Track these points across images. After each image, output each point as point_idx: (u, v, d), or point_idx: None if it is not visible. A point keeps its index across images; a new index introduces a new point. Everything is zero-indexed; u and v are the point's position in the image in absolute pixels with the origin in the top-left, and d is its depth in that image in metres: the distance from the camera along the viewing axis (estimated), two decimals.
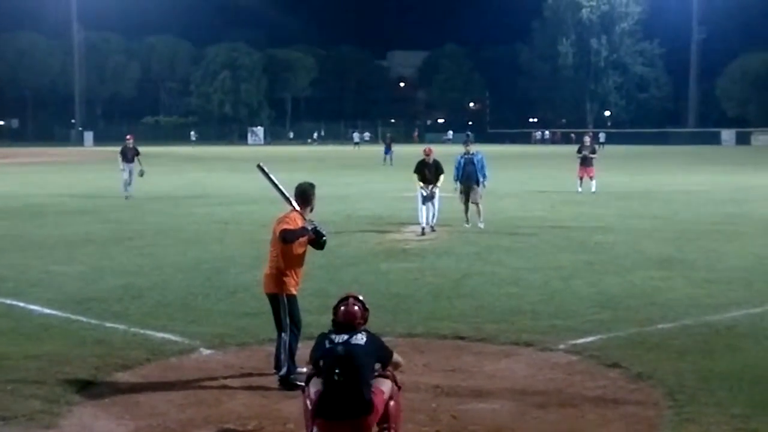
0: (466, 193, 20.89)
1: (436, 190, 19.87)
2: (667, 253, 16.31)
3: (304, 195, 8.43)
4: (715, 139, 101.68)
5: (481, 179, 20.88)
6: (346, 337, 6.58)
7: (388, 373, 6.71)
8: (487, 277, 13.98)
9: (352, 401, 6.35)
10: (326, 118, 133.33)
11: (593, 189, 30.65)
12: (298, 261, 8.31)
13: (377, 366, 6.66)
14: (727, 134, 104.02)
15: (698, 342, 9.69)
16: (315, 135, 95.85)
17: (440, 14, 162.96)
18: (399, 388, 6.74)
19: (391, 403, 6.57)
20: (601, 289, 12.87)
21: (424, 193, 19.73)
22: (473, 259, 15.88)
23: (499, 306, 11.72)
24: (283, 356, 8.18)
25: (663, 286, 12.99)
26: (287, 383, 8.11)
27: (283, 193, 8.36)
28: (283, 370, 8.16)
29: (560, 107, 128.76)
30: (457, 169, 21.22)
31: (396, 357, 6.81)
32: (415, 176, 20.20)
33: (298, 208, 8.34)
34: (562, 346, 9.58)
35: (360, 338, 6.58)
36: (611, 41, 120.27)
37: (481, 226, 20.33)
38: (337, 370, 6.39)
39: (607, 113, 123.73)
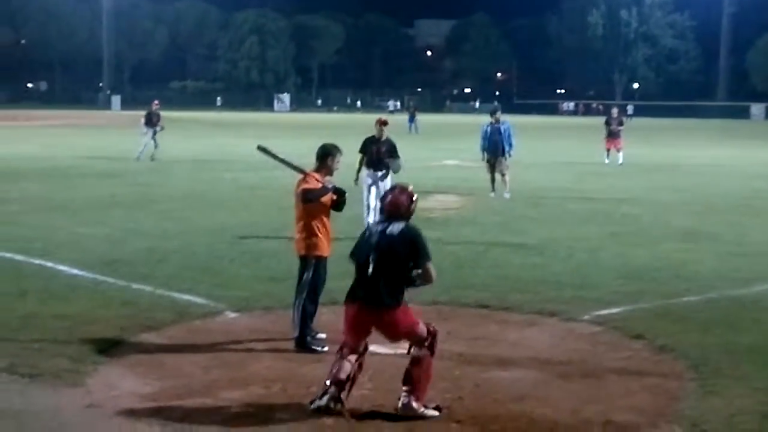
0: (492, 163, 20.82)
1: (387, 182, 14.61)
2: (694, 227, 16.24)
3: (324, 156, 8.41)
4: (744, 113, 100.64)
5: (507, 149, 20.78)
6: (381, 227, 6.69)
7: (425, 347, 6.64)
8: (511, 247, 13.96)
9: (374, 289, 6.50)
10: (353, 86, 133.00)
11: (620, 161, 30.47)
12: (324, 222, 8.32)
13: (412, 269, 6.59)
14: (757, 108, 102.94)
15: (723, 315, 9.64)
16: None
17: None
18: (432, 354, 6.72)
19: (420, 368, 6.59)
20: (627, 260, 12.82)
21: (370, 181, 15.15)
22: (498, 229, 15.86)
23: (523, 276, 11.70)
24: (297, 318, 8.22)
25: (689, 259, 12.92)
26: (303, 345, 8.15)
27: (291, 165, 8.35)
28: (296, 332, 8.20)
29: (588, 79, 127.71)
30: (484, 138, 21.13)
31: (430, 266, 6.60)
32: (359, 157, 15.32)
33: (311, 172, 8.30)
34: (586, 317, 9.56)
35: (396, 228, 6.61)
36: (641, 13, 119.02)
37: (507, 196, 20.27)
38: (369, 258, 6.55)
39: (636, 86, 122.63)
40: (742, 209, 18.95)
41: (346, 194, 8.41)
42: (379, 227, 6.72)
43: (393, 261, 6.54)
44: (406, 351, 6.81)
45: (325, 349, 8.10)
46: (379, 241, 6.59)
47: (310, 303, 8.31)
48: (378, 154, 15.01)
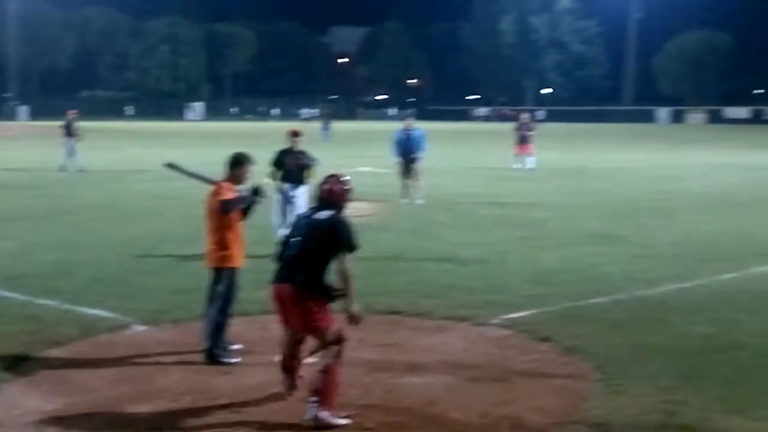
0: (405, 169, 20.94)
1: (302, 195, 14.04)
2: (602, 229, 16.56)
3: (235, 165, 8.35)
4: (650, 117, 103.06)
5: (419, 155, 20.91)
6: (311, 212, 6.94)
7: (332, 341, 6.72)
8: (423, 253, 14.05)
9: (294, 270, 6.68)
10: (267, 94, 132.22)
11: (531, 166, 30.92)
12: (237, 233, 8.26)
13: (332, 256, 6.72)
14: (663, 112, 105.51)
15: (630, 316, 9.87)
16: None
17: None
18: (339, 356, 6.74)
19: (326, 377, 6.61)
20: (536, 264, 13.03)
21: (284, 194, 14.35)
22: (410, 235, 15.94)
23: (435, 281, 11.79)
24: (208, 330, 8.14)
25: (597, 262, 13.19)
26: (213, 357, 8.07)
27: (201, 177, 8.28)
28: (207, 343, 8.11)
29: (500, 85, 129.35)
30: (397, 144, 21.25)
31: (348, 258, 6.68)
32: (271, 170, 14.46)
33: (222, 182, 8.24)
34: (496, 321, 9.67)
35: (323, 215, 6.78)
36: (551, 19, 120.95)
37: (420, 202, 20.40)
38: (292, 240, 6.79)
39: (547, 91, 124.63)
40: (649, 211, 19.40)
41: (262, 196, 8.40)
42: (308, 213, 6.95)
43: (314, 245, 6.66)
44: (310, 358, 6.92)
45: (236, 360, 8.04)
46: (305, 224, 6.82)
47: (222, 315, 8.23)
48: (292, 167, 14.38)
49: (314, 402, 6.56)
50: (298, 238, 6.76)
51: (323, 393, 6.57)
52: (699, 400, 7.09)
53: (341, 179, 7.07)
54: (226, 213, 8.06)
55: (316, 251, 6.67)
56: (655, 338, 8.93)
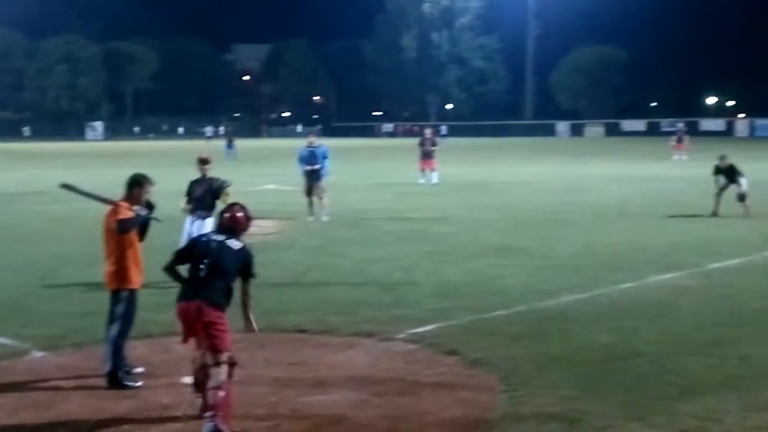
0: (310, 186, 20.94)
1: (207, 224, 12.80)
2: (504, 242, 16.83)
3: (133, 185, 8.26)
4: (550, 131, 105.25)
5: (323, 172, 20.94)
6: (223, 237, 7.21)
7: (225, 362, 6.88)
8: (330, 270, 14.07)
9: (203, 288, 6.95)
10: (170, 112, 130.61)
11: (435, 181, 31.22)
12: (135, 253, 8.15)
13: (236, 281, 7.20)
14: (562, 126, 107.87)
15: (532, 327, 10.05)
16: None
17: (284, 7, 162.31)
18: (230, 377, 6.86)
19: (220, 393, 6.68)
20: (441, 278, 13.17)
21: (192, 223, 13.33)
22: (317, 252, 15.94)
23: (341, 298, 11.81)
24: (108, 352, 8.00)
25: (499, 274, 13.39)
26: (115, 381, 7.93)
27: (99, 198, 8.18)
28: (108, 366, 7.97)
29: (404, 101, 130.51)
30: (301, 161, 21.24)
31: (252, 284, 7.28)
32: (184, 200, 13.67)
33: (120, 202, 8.14)
34: (402, 336, 9.74)
35: (235, 245, 7.18)
36: (452, 35, 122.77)
37: (326, 219, 20.41)
38: (205, 261, 7.01)
39: (449, 106, 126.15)
40: (549, 223, 19.80)
41: (159, 220, 8.35)
42: (219, 238, 7.19)
43: (225, 270, 7.04)
44: (190, 381, 7.21)
45: (139, 384, 7.92)
46: (218, 249, 7.08)
47: (122, 337, 8.10)
48: (200, 193, 13.53)
49: (211, 416, 6.62)
50: (209, 260, 7.02)
51: (220, 407, 6.63)
52: (600, 409, 7.26)
53: (243, 207, 7.47)
54: (123, 233, 7.96)
55: (226, 274, 7.05)
56: (556, 348, 9.11)
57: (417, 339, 9.61)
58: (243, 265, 7.13)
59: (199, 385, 7.08)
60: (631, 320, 10.34)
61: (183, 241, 13.48)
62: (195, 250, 7.20)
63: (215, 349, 6.85)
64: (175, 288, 7.20)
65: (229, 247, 7.11)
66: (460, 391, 7.83)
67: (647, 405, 7.36)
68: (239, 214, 7.34)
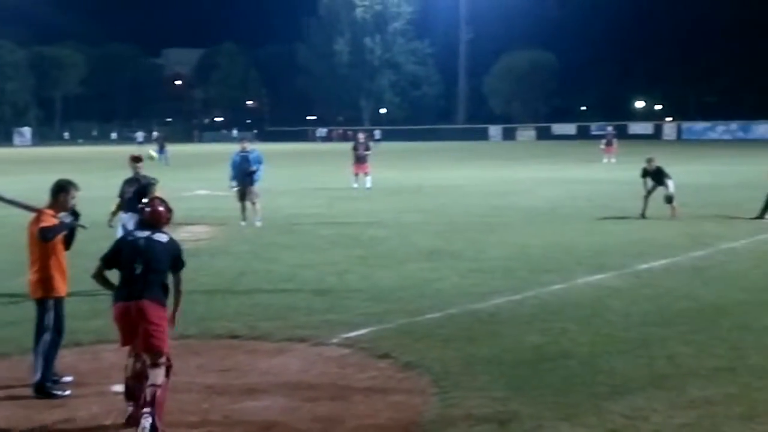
0: (242, 192, 20.82)
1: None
2: (436, 246, 16.92)
3: (58, 192, 8.14)
4: (483, 135, 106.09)
5: (255, 177, 20.85)
6: (148, 233, 7.20)
7: (164, 363, 6.92)
8: (262, 275, 14.01)
9: (139, 287, 6.95)
10: (100, 117, 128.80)
11: (368, 185, 31.27)
12: (60, 261, 8.03)
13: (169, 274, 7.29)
14: (494, 130, 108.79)
15: (463, 330, 10.12)
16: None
17: (216, 11, 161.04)
18: (167, 378, 6.88)
19: (158, 390, 6.69)
20: (374, 282, 13.19)
21: (125, 223, 13.10)
22: (249, 258, 15.86)
23: (274, 303, 11.76)
24: (39, 362, 7.86)
25: (432, 278, 13.47)
26: (43, 391, 7.79)
27: (21, 204, 8.05)
28: (37, 376, 7.84)
29: (337, 105, 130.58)
30: (233, 167, 21.11)
31: (182, 275, 7.37)
32: (117, 201, 13.66)
33: (45, 209, 8.01)
34: (335, 340, 9.74)
35: (162, 237, 7.22)
36: (385, 40, 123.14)
37: (258, 224, 20.31)
38: (138, 260, 7.01)
39: (383, 111, 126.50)
40: (481, 226, 19.96)
41: (84, 227, 8.26)
42: (145, 234, 7.18)
43: (158, 265, 7.09)
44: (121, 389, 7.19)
45: (67, 393, 7.80)
46: (147, 245, 7.09)
47: (55, 348, 7.97)
48: (130, 194, 13.22)
49: (148, 413, 6.59)
50: (142, 258, 7.03)
51: (157, 404, 6.64)
52: (530, 409, 7.35)
53: (164, 201, 7.48)
54: (47, 240, 7.83)
55: (160, 270, 7.11)
56: (487, 350, 9.20)
57: (350, 343, 9.62)
58: (173, 257, 7.21)
59: (131, 394, 7.01)
60: (561, 321, 10.48)
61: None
62: (123, 251, 7.17)
63: (155, 350, 6.85)
64: (104, 295, 7.13)
65: (157, 241, 7.15)
66: (392, 394, 7.86)
67: (577, 405, 7.46)
68: (160, 208, 7.37)
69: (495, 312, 11.06)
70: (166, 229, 7.38)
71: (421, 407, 7.49)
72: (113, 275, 7.24)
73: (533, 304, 11.50)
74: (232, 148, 24.48)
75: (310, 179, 38.05)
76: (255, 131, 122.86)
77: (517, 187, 31.96)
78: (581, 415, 7.20)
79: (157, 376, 6.77)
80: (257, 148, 22.70)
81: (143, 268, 6.99)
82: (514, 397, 7.66)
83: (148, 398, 6.65)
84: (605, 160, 48.21)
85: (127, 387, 7.09)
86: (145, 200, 7.82)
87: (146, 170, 14.35)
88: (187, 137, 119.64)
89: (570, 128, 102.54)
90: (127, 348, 7.11)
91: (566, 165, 47.23)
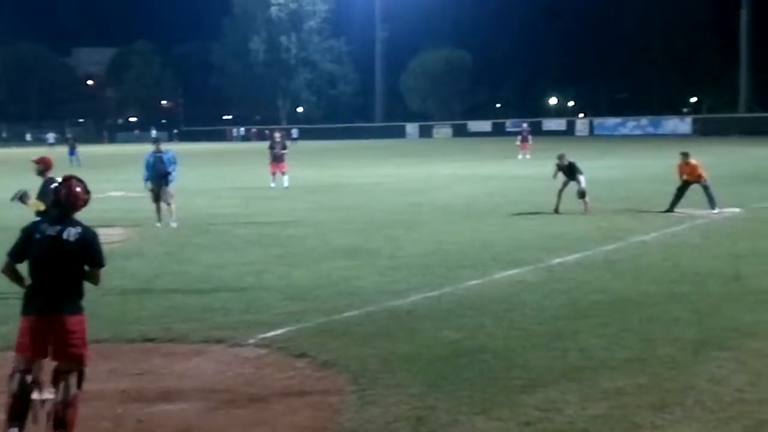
0: (157, 192, 20.53)
1: None
2: (354, 243, 16.95)
3: None
4: (400, 133, 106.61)
5: (170, 177, 20.58)
6: (59, 228, 6.43)
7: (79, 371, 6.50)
8: (178, 277, 13.84)
9: (54, 297, 6.34)
10: (9, 118, 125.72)
11: (285, 184, 31.14)
12: None
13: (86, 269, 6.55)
14: (411, 128, 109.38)
15: (381, 327, 10.15)
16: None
17: (128, 10, 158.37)
18: (80, 388, 6.53)
19: (74, 409, 6.40)
20: (291, 281, 13.15)
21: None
22: (164, 259, 15.66)
23: (190, 305, 11.63)
24: None
25: (350, 275, 13.48)
26: None
27: None
28: None
29: (254, 104, 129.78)
30: (147, 168, 20.80)
31: (101, 272, 6.66)
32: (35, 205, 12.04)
33: None
34: (252, 341, 9.68)
35: (74, 232, 6.42)
36: (300, 39, 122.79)
37: (174, 225, 20.07)
38: (48, 266, 6.34)
39: (300, 109, 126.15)
40: (399, 224, 20.05)
41: None
42: (54, 232, 6.41)
43: (71, 266, 6.41)
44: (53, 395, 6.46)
45: None
46: (56, 247, 6.35)
47: None
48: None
49: None
50: (52, 262, 6.35)
51: (71, 424, 6.36)
52: (447, 404, 7.41)
53: (81, 180, 6.71)
54: None
55: (73, 272, 6.44)
56: (405, 347, 9.24)
57: (267, 343, 9.57)
58: (87, 253, 6.46)
59: (19, 416, 6.31)
60: (477, 316, 10.59)
61: None
62: (32, 250, 6.43)
63: (75, 359, 6.43)
64: (12, 298, 6.86)
65: (67, 240, 6.35)
66: (309, 393, 7.85)
67: (492, 399, 7.55)
68: (77, 189, 6.60)
69: (413, 309, 11.13)
70: (81, 214, 6.66)
71: (339, 406, 7.49)
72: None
73: (450, 300, 11.59)
74: (146, 149, 24.15)
75: (226, 179, 37.75)
76: (175, 131, 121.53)
77: (434, 184, 32.20)
78: (496, 409, 7.29)
79: (71, 388, 6.34)
80: (172, 148, 22.40)
81: (54, 276, 6.35)
82: (431, 393, 7.71)
83: (64, 419, 6.24)
84: (520, 157, 48.87)
85: (13, 406, 6.34)
86: (58, 179, 7.06)
87: (59, 172, 14.01)
88: (99, 138, 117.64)
89: (485, 125, 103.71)
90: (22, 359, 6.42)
91: (482, 162, 47.74)
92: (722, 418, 7.05)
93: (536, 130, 72.65)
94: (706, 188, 21.14)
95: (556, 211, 21.26)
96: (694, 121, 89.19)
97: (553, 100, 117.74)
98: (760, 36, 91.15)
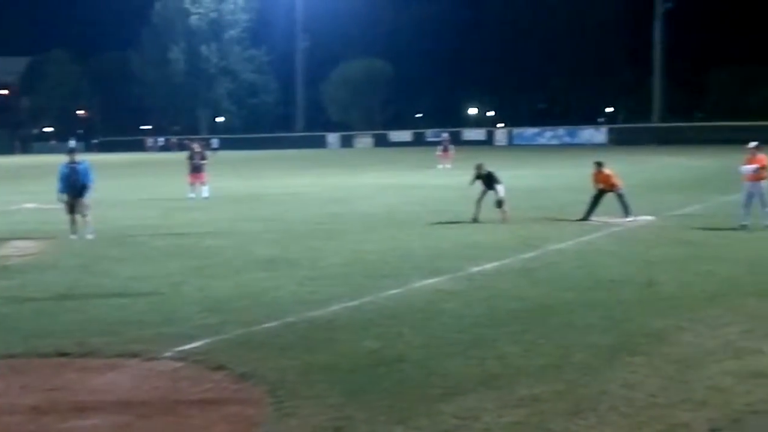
0: (72, 204, 20.13)
1: None
2: (274, 254, 16.86)
3: None
4: (322, 143, 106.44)
5: (85, 189, 20.20)
6: None
7: None
8: (93, 289, 13.59)
9: None
10: None
11: (205, 194, 30.85)
12: None
13: None
14: (333, 137, 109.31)
15: (300, 338, 10.11)
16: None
17: (43, 18, 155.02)
18: None
19: None
20: (210, 293, 13.01)
21: None
22: (80, 272, 15.35)
23: (105, 318, 11.43)
24: None
25: (269, 286, 13.40)
26: None
27: None
28: None
29: (173, 114, 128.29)
30: (61, 179, 20.37)
31: None
32: None
33: None
34: (168, 354, 9.55)
35: None
36: (221, 48, 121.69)
37: (90, 237, 19.71)
38: None
39: (220, 119, 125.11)
40: (319, 233, 20.01)
41: None
42: None
43: None
44: None
45: None
46: None
47: None
48: None
49: None
50: None
51: None
52: (365, 414, 7.41)
53: None
54: None
55: None
56: (323, 357, 9.22)
57: (184, 356, 9.45)
58: None
59: None
60: (396, 325, 10.62)
61: None
62: None
63: None
64: None
65: None
66: (227, 406, 7.78)
67: (410, 408, 7.58)
68: None
69: (332, 319, 11.11)
70: None
71: (256, 418, 7.45)
72: None
73: (370, 310, 11.61)
74: (57, 160, 23.69)
75: (145, 190, 37.23)
76: (93, 141, 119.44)
77: (355, 193, 32.22)
78: (414, 418, 7.32)
79: None
80: (87, 159, 22.00)
81: None
82: (350, 403, 7.71)
83: None
84: (440, 166, 49.20)
85: None
86: None
87: None
88: (12, 148, 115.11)
89: (406, 135, 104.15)
90: None
91: (403, 171, 47.95)
92: (635, 422, 7.19)
93: (456, 140, 73.17)
94: (620, 196, 21.56)
95: (475, 220, 21.45)
96: (610, 131, 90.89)
97: (473, 110, 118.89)
98: (673, 47, 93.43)
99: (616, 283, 13.20)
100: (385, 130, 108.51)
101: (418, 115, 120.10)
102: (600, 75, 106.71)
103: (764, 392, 7.88)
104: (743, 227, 19.05)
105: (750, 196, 19.44)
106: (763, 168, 19.40)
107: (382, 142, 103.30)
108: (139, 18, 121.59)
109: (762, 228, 18.90)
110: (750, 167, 19.53)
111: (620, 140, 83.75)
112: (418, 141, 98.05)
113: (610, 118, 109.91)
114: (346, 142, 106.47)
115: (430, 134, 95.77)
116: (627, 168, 35.03)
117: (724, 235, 18.50)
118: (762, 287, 12.64)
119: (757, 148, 19.84)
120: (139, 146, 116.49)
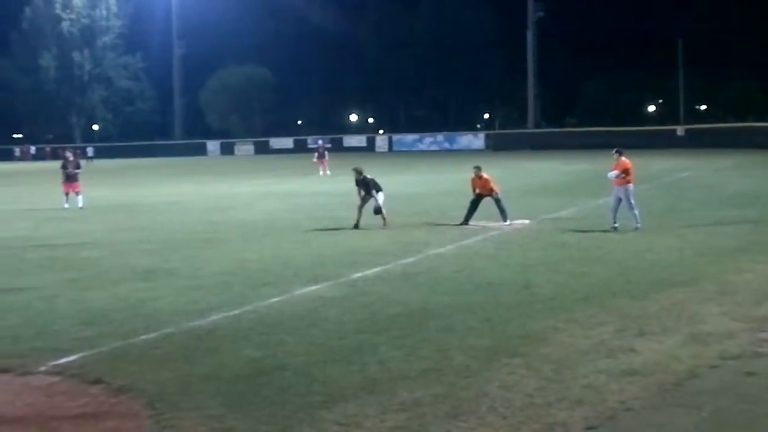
0: None
1: None
2: (152, 264, 16.56)
3: None
4: (201, 150, 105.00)
5: None
6: None
7: None
8: None
9: None
10: None
11: (80, 204, 30.08)
12: None
13: None
14: (213, 145, 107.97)
15: (179, 349, 9.97)
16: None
17: None
18: None
19: None
20: (85, 305, 12.70)
21: None
22: None
23: None
24: None
25: (147, 297, 13.16)
26: None
27: None
28: None
29: (46, 122, 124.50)
30: None
31: None
32: None
33: None
34: (42, 368, 9.29)
35: None
36: (94, 55, 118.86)
37: None
38: None
39: (95, 127, 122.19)
40: (198, 243, 19.75)
41: None
42: None
43: None
44: None
45: None
46: None
47: None
48: None
49: None
50: None
51: None
52: (246, 424, 7.36)
53: None
54: None
55: None
56: (203, 368, 9.11)
57: (59, 371, 9.20)
58: None
59: None
60: (278, 334, 10.58)
61: None
62: None
63: None
64: None
65: None
66: (104, 420, 7.61)
67: (292, 416, 7.56)
68: None
69: (213, 328, 10.99)
70: None
71: (137, 431, 7.30)
72: None
73: (251, 319, 11.53)
74: None
75: (16, 200, 36.07)
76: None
77: (236, 201, 31.94)
78: (296, 426, 7.31)
79: None
80: None
81: None
82: (230, 413, 7.64)
83: None
84: (322, 173, 49.22)
85: None
86: None
87: None
88: None
89: (287, 142, 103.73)
90: None
91: (284, 178, 47.79)
92: (513, 423, 7.34)
93: (338, 147, 73.56)
94: (497, 201, 21.98)
95: (357, 226, 21.53)
96: (487, 137, 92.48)
97: (353, 117, 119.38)
98: (546, 56, 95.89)
99: (495, 286, 13.46)
100: (266, 137, 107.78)
101: (299, 122, 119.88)
102: (475, 82, 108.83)
103: (637, 390, 8.15)
104: (614, 229, 19.71)
105: (618, 200, 20.15)
106: (625, 172, 20.12)
107: (263, 149, 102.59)
108: (8, 23, 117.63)
109: (632, 230, 19.57)
110: (614, 173, 20.25)
111: (498, 146, 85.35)
112: (300, 148, 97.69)
113: (488, 125, 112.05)
114: (227, 150, 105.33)
115: (311, 141, 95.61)
116: (504, 173, 35.78)
117: (596, 237, 19.07)
118: (632, 287, 13.09)
119: (619, 153, 20.58)
120: (10, 155, 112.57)
